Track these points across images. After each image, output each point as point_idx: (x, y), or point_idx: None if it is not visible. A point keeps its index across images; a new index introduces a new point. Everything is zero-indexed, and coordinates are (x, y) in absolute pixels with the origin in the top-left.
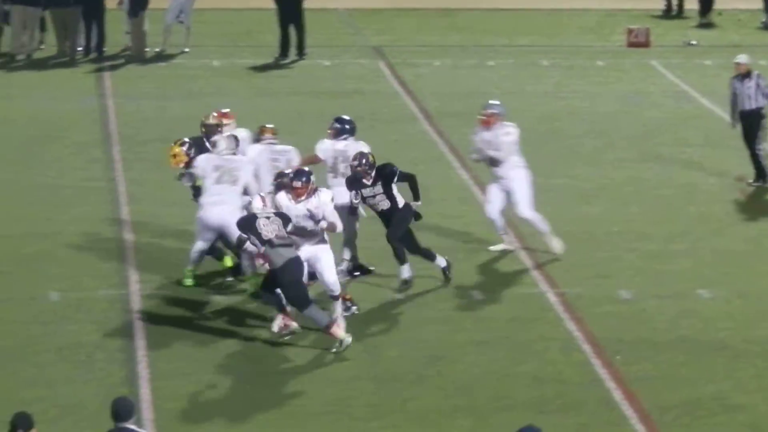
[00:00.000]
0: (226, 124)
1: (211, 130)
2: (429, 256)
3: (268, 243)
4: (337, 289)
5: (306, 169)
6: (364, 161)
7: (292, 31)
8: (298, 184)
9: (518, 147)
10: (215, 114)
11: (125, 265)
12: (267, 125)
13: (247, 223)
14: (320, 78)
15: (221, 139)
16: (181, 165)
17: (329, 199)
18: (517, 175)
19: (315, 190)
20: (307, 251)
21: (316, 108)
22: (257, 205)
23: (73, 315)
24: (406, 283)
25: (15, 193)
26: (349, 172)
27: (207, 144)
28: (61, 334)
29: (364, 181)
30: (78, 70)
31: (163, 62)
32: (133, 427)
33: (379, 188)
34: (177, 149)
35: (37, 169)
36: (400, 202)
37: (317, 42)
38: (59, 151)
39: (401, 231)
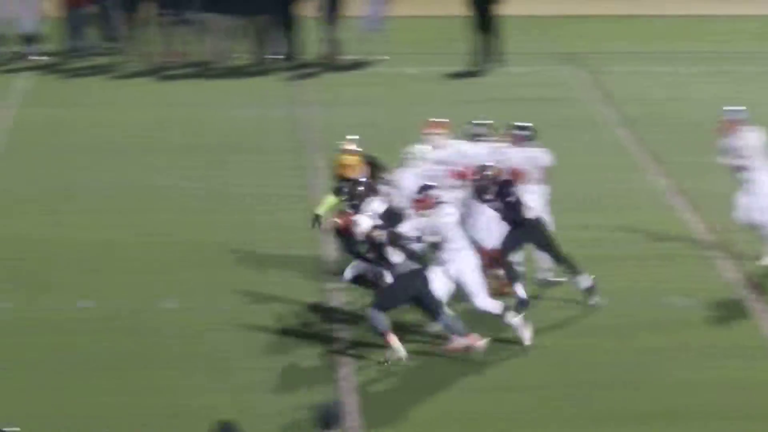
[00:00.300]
0: (438, 134)
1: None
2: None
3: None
4: (490, 309)
5: (429, 183)
6: (484, 174)
7: (488, 38)
8: (418, 197)
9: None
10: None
11: (322, 274)
12: (490, 125)
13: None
14: (516, 85)
15: (433, 149)
16: (351, 175)
17: (447, 213)
18: (764, 180)
19: (437, 204)
20: (450, 268)
21: (512, 115)
22: (366, 224)
23: (274, 323)
24: (590, 291)
25: (209, 201)
26: (535, 177)
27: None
28: (264, 343)
29: (486, 194)
30: (272, 78)
31: (358, 70)
32: None
33: (498, 203)
34: (354, 159)
35: (231, 176)
36: (528, 214)
37: (513, 49)
38: (253, 159)
39: (553, 244)
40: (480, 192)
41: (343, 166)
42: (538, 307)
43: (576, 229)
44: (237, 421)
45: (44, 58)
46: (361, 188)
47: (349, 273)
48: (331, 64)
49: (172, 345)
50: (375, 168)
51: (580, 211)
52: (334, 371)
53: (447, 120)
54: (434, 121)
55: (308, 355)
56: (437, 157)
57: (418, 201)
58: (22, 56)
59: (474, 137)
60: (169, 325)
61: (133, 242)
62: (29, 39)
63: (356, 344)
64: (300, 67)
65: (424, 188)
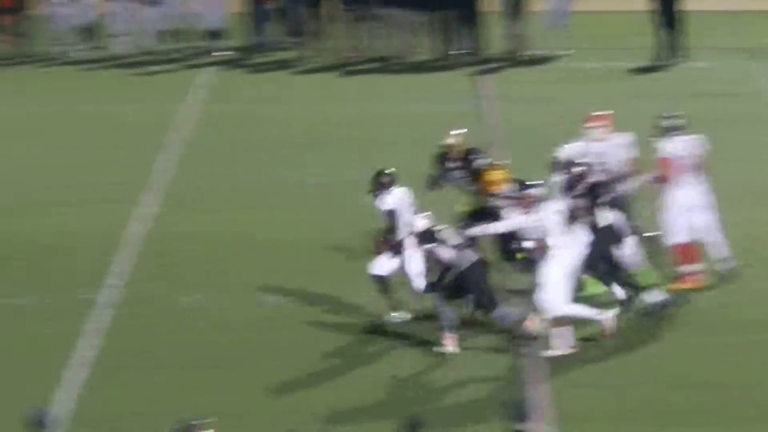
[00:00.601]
0: (599, 127)
1: (448, 150)
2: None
3: (456, 247)
4: (543, 309)
5: (528, 182)
6: (573, 171)
7: (671, 33)
8: (517, 195)
9: None
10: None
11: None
12: (678, 119)
13: (429, 236)
14: (696, 80)
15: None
16: (497, 191)
17: (552, 211)
18: None
19: (535, 204)
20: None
21: (692, 111)
22: (420, 224)
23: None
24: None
25: None
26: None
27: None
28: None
29: (574, 191)
30: (455, 72)
31: (541, 65)
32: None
33: (582, 201)
34: (501, 174)
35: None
36: (603, 221)
37: (696, 44)
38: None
39: (603, 255)
40: (568, 188)
41: (490, 181)
42: (695, 303)
43: (756, 224)
44: (425, 414)
45: (228, 53)
46: (387, 179)
47: (378, 269)
48: (514, 59)
49: (345, 340)
50: (518, 183)
51: (763, 206)
52: (521, 366)
53: (609, 113)
54: (596, 115)
55: (493, 350)
56: (598, 150)
57: (516, 200)
58: (207, 52)
59: (665, 131)
60: (344, 321)
61: (315, 239)
62: (214, 34)
63: (530, 337)
64: (484, 62)
65: (525, 187)
